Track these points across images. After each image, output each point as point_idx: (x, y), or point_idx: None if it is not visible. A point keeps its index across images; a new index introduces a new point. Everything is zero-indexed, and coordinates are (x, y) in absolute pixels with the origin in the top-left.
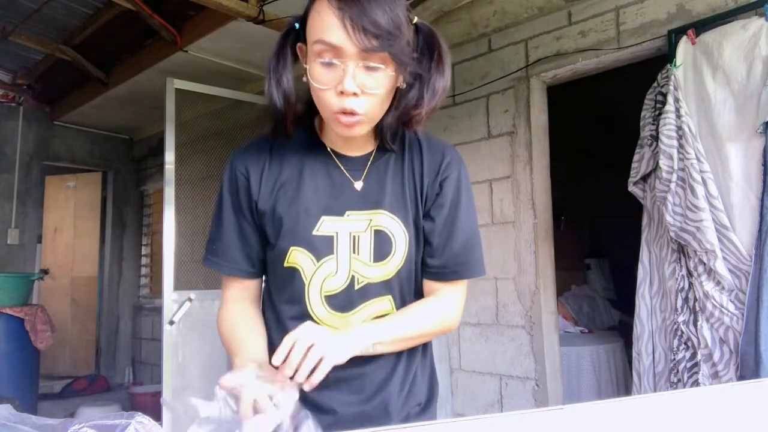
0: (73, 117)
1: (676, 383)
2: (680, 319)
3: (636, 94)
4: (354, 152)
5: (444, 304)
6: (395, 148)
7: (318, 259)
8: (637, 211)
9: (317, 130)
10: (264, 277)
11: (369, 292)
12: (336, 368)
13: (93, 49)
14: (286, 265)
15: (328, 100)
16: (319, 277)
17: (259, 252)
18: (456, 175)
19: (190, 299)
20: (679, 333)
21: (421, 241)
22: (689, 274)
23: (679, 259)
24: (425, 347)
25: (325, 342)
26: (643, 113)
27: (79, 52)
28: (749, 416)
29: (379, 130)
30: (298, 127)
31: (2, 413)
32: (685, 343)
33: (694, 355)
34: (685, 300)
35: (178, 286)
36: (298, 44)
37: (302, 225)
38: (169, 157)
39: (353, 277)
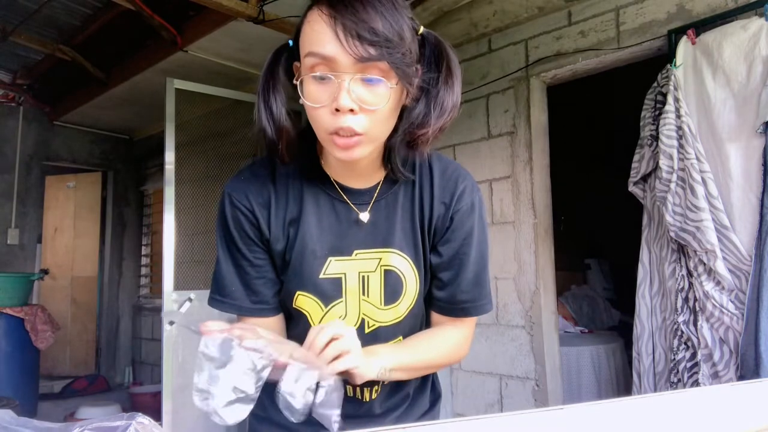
0: (73, 117)
1: (676, 383)
2: (680, 319)
3: (636, 94)
4: (360, 184)
5: (456, 338)
6: (406, 176)
7: (326, 305)
8: (637, 211)
9: (319, 158)
10: None
11: (380, 334)
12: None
13: (93, 49)
14: (294, 306)
15: (322, 119)
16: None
17: (273, 287)
18: (469, 206)
19: (190, 299)
20: (679, 333)
21: (429, 275)
22: (689, 274)
23: (679, 259)
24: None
25: (353, 339)
26: (643, 113)
27: (79, 52)
28: (749, 416)
29: (386, 157)
30: (299, 153)
31: (3, 417)
32: (685, 343)
33: (694, 355)
34: (685, 300)
35: (178, 286)
36: (295, 63)
37: (308, 268)
38: (169, 157)
39: (363, 320)
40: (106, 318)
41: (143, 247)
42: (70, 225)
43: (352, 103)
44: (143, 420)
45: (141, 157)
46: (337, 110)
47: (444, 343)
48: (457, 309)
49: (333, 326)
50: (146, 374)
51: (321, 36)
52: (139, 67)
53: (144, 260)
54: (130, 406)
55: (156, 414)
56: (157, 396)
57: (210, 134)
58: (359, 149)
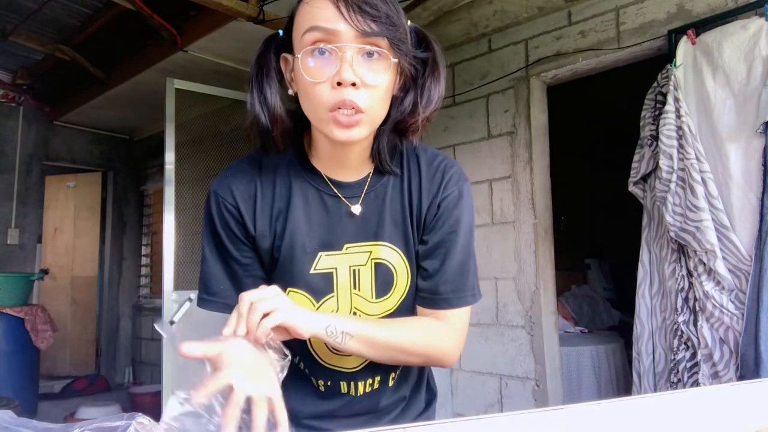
0: (73, 117)
1: (676, 383)
2: (680, 319)
3: (636, 94)
4: (349, 177)
5: (436, 329)
6: (394, 169)
7: (317, 300)
8: (637, 211)
9: (307, 151)
10: None
11: None
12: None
13: (93, 49)
14: None
15: (322, 95)
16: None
17: (262, 284)
18: (455, 195)
19: (190, 299)
20: (679, 333)
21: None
22: (689, 274)
23: (679, 259)
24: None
25: (277, 298)
26: (643, 113)
27: (79, 52)
28: (749, 416)
29: (375, 151)
30: (288, 146)
31: (3, 417)
32: (685, 343)
33: (694, 355)
34: (685, 300)
35: (178, 286)
36: (283, 55)
37: (298, 265)
38: (169, 157)
39: (355, 314)
40: (106, 318)
41: (143, 247)
42: (70, 225)
43: (355, 77)
44: (143, 420)
45: (141, 157)
46: (338, 84)
47: (419, 328)
48: (440, 300)
49: (254, 292)
50: (146, 374)
51: (323, 11)
52: (139, 67)
53: (144, 260)
54: (130, 406)
55: (156, 414)
56: (157, 396)
57: (210, 134)
58: (358, 129)
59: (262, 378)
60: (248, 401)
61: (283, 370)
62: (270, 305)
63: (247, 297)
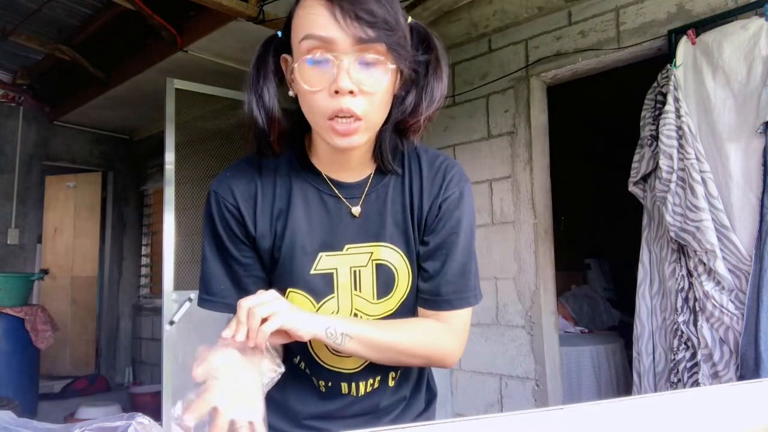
0: (73, 117)
1: (676, 383)
2: (680, 319)
3: (636, 94)
4: (350, 177)
5: (436, 329)
6: (395, 169)
7: (318, 301)
8: (637, 211)
9: (308, 152)
10: None
11: None
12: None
13: (93, 49)
14: None
15: (320, 103)
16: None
17: (262, 286)
18: (456, 195)
19: (190, 299)
20: (679, 333)
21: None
22: (689, 274)
23: (679, 259)
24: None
25: (276, 302)
26: (643, 113)
27: (79, 52)
28: (749, 416)
29: (377, 150)
30: (287, 147)
31: (3, 418)
32: (685, 343)
33: (694, 355)
34: (685, 300)
35: (178, 286)
36: (282, 56)
37: (298, 265)
38: (169, 157)
39: (356, 315)
40: (106, 318)
41: (143, 247)
42: (70, 225)
43: (352, 85)
44: (143, 420)
45: (141, 157)
46: (336, 92)
47: (420, 329)
48: (441, 301)
49: (252, 298)
50: (146, 374)
51: (319, 18)
52: (139, 67)
53: (144, 260)
54: (130, 406)
55: (156, 414)
56: (157, 396)
57: (210, 134)
58: (358, 136)
59: (246, 401)
60: (231, 423)
61: (272, 382)
62: (268, 309)
63: (245, 304)
